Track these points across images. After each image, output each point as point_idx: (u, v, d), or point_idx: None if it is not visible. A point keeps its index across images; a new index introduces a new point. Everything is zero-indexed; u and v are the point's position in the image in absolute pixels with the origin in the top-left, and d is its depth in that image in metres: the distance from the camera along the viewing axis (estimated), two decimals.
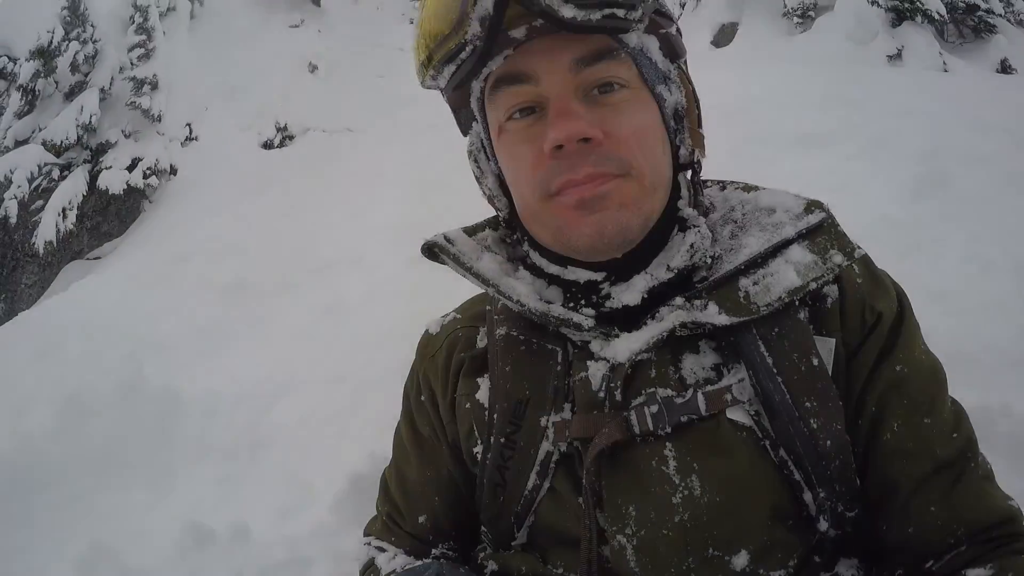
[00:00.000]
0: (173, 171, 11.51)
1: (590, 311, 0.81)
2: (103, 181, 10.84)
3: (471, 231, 0.93)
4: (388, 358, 2.26)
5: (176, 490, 1.95)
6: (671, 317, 0.77)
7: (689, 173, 0.86)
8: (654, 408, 0.76)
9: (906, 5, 12.03)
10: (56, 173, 10.87)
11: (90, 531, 1.75)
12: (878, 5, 12.29)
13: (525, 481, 0.83)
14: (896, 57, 11.73)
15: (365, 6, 18.41)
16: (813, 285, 0.77)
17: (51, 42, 11.06)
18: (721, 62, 12.40)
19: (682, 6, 24.06)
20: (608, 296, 0.81)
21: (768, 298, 0.77)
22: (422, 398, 0.96)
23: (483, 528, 0.91)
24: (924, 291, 2.04)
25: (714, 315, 0.77)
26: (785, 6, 15.33)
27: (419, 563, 0.85)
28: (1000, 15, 12.41)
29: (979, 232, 2.37)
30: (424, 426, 0.96)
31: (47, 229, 10.12)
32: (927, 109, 3.87)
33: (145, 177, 11.07)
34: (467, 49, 0.74)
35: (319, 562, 1.51)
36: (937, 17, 11.77)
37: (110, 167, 11.03)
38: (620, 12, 0.71)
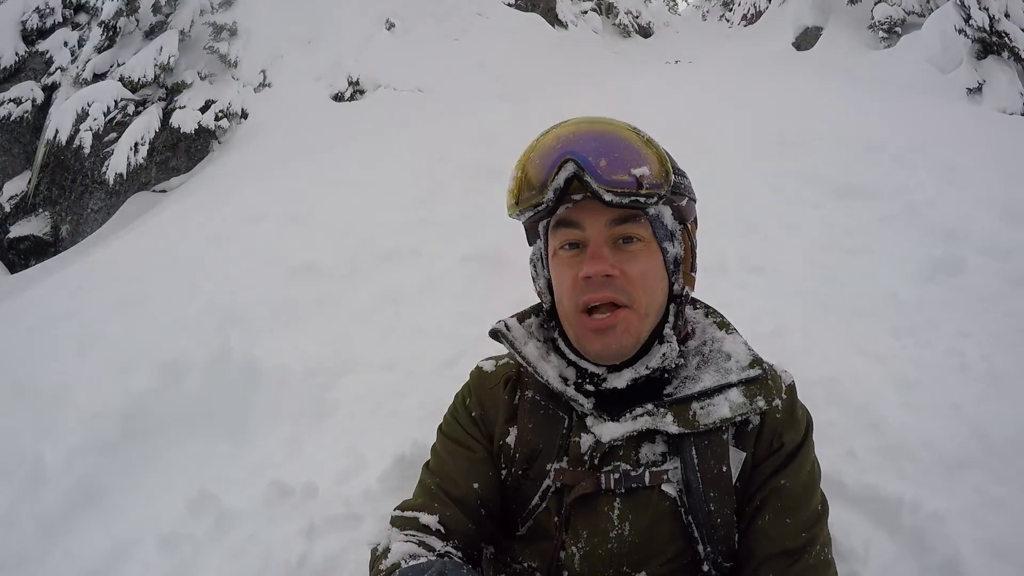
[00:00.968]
0: (244, 115, 11.73)
1: (591, 388, 1.21)
2: (176, 120, 11.07)
3: (521, 317, 1.33)
4: (434, 354, 2.53)
5: (252, 446, 2.22)
6: (642, 421, 1.17)
7: (680, 301, 1.24)
8: (617, 475, 1.16)
9: (993, 39, 11.58)
10: (131, 108, 11.14)
11: (191, 476, 2.02)
12: (964, 34, 11.83)
13: (531, 499, 1.23)
14: (976, 91, 11.40)
15: None
16: (738, 419, 1.16)
17: None
18: (797, 70, 12.24)
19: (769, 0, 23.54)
20: (605, 380, 1.21)
21: (707, 420, 1.15)
22: (473, 415, 1.32)
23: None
24: (898, 377, 2.27)
25: (670, 424, 1.16)
26: (872, 18, 14.97)
27: (423, 560, 1.05)
28: None
29: (970, 330, 2.47)
30: (472, 431, 1.31)
31: (118, 162, 10.41)
32: (975, 175, 3.91)
33: (217, 119, 11.30)
34: (543, 205, 1.14)
35: (368, 519, 1.81)
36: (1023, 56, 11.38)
37: (183, 107, 11.26)
38: (641, 199, 1.10)
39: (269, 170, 7.31)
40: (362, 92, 13.33)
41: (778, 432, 1.19)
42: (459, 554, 1.19)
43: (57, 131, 10.54)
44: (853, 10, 15.65)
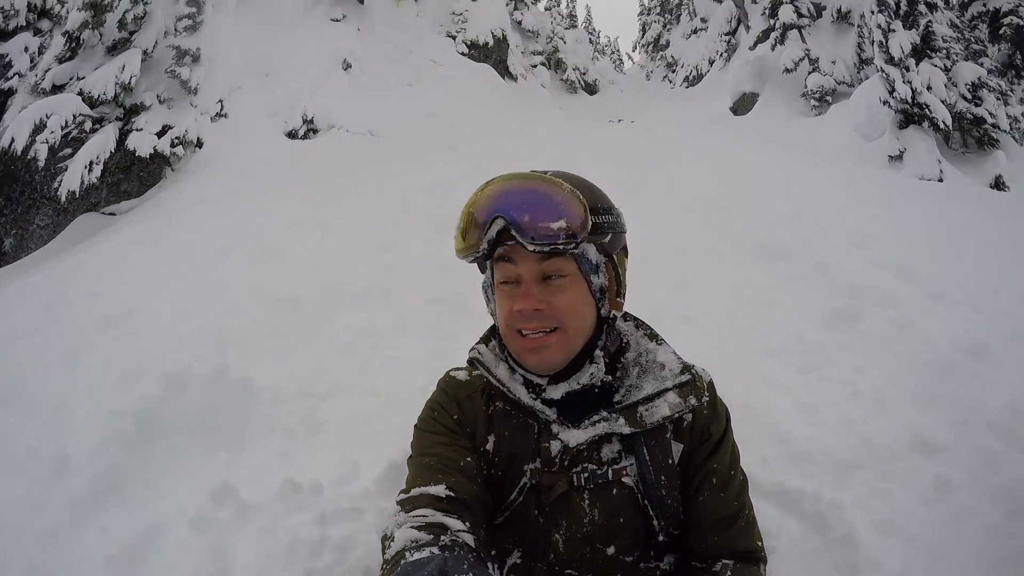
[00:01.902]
0: (199, 144, 11.80)
1: (552, 397, 1.45)
2: (132, 142, 11.11)
3: (486, 340, 1.60)
4: (411, 384, 2.76)
5: (249, 455, 2.45)
6: (600, 426, 1.43)
7: (609, 322, 1.50)
8: (586, 474, 1.43)
9: (915, 110, 12.55)
10: (88, 125, 11.10)
11: (204, 474, 2.25)
12: (889, 105, 12.82)
13: (509, 494, 1.46)
14: (897, 158, 12.35)
15: (406, 11, 18.90)
16: (676, 415, 1.45)
17: None
18: (734, 135, 13.11)
19: (711, 63, 24.86)
20: (545, 390, 1.46)
21: (651, 419, 1.44)
22: (454, 417, 1.53)
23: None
24: (802, 403, 2.77)
25: (623, 426, 1.43)
26: (806, 86, 16.10)
27: (424, 555, 1.15)
28: (1005, 131, 13.09)
29: (863, 366, 3.01)
30: (454, 427, 1.52)
31: (72, 179, 10.37)
32: (880, 238, 4.63)
33: (173, 146, 11.37)
34: (480, 253, 1.39)
35: (370, 512, 2.06)
36: (942, 126, 12.36)
37: (140, 129, 11.31)
38: (560, 247, 1.33)
39: (228, 204, 7.51)
40: (315, 131, 13.56)
41: (705, 425, 1.50)
42: (467, 527, 1.32)
43: (13, 139, 10.37)
44: (788, 79, 16.72)
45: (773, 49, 17.35)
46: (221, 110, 12.68)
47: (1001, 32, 16.40)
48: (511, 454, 1.47)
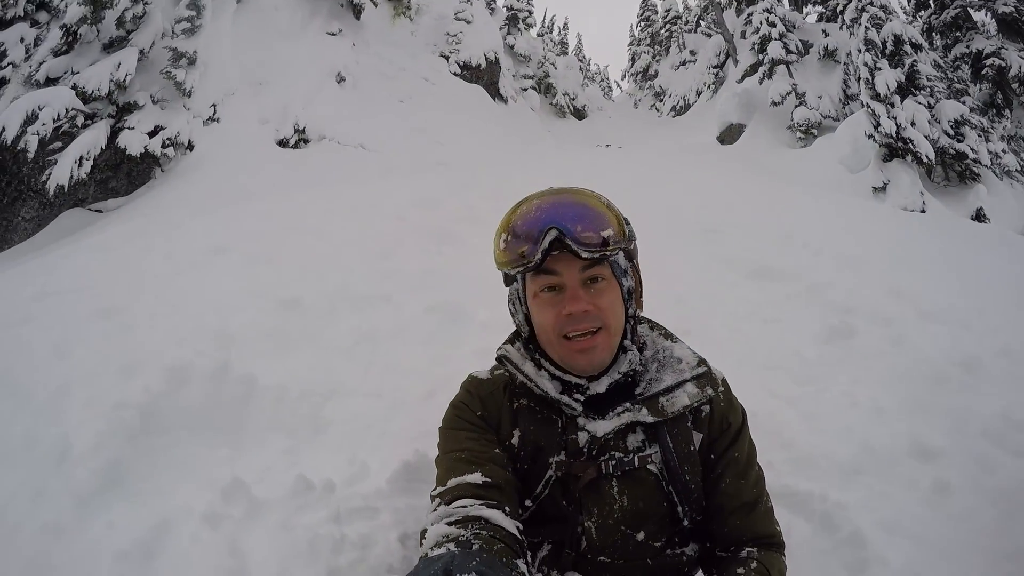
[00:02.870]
0: (190, 146, 11.78)
1: (580, 397, 1.53)
2: (123, 140, 11.07)
3: (511, 341, 1.66)
4: (413, 388, 2.83)
5: (253, 453, 2.42)
6: (625, 416, 1.51)
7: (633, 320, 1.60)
8: (613, 462, 1.50)
9: (899, 144, 12.83)
10: (80, 120, 11.03)
11: (207, 471, 2.22)
12: (873, 139, 13.11)
13: (535, 488, 1.52)
14: (881, 190, 12.64)
15: (401, 29, 19.05)
16: (696, 404, 1.54)
17: None
18: (721, 165, 13.31)
19: (698, 94, 25.20)
20: (588, 388, 1.54)
21: (673, 409, 1.52)
22: (478, 414, 1.59)
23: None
24: (803, 412, 2.86)
25: (646, 416, 1.52)
26: (792, 119, 16.38)
27: (436, 553, 1.20)
28: (986, 166, 13.44)
29: (860, 377, 3.13)
30: (480, 423, 1.58)
31: (61, 173, 10.27)
32: (868, 262, 4.77)
33: (163, 147, 11.33)
34: (532, 263, 1.45)
35: (384, 512, 2.06)
36: (925, 160, 12.67)
37: (132, 128, 11.28)
38: (608, 254, 1.45)
39: (219, 206, 7.43)
40: (306, 141, 13.57)
41: (725, 416, 1.60)
42: (507, 513, 1.38)
43: (4, 128, 10.21)
44: (775, 111, 16.95)
45: (761, 83, 17.62)
46: (214, 114, 12.66)
47: (983, 72, 16.84)
48: (536, 447, 1.54)
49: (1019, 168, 14.29)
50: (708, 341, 3.42)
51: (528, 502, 1.53)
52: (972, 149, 13.28)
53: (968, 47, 17.35)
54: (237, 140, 12.30)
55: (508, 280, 1.63)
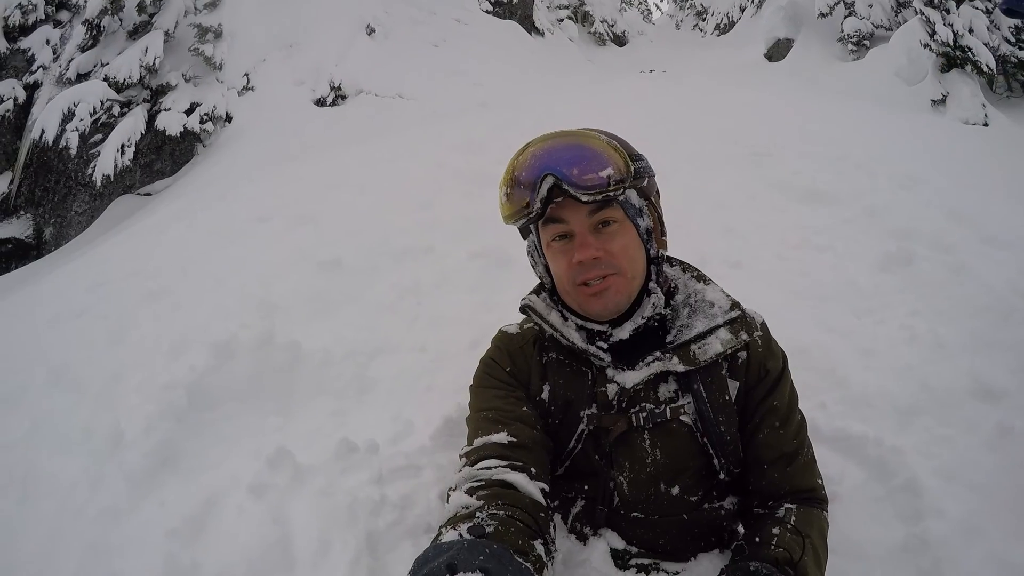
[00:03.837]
0: (228, 118, 11.83)
1: (603, 344, 1.49)
2: (161, 122, 11.17)
3: (537, 291, 1.62)
4: (459, 338, 2.76)
5: (302, 418, 2.43)
6: (655, 366, 1.45)
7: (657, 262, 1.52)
8: (644, 414, 1.45)
9: (957, 53, 12.07)
10: (116, 109, 11.20)
11: (256, 442, 2.23)
12: (930, 49, 12.34)
13: (567, 443, 1.49)
14: (940, 102, 11.94)
15: None
16: (729, 351, 1.47)
17: None
18: (770, 82, 12.75)
19: (742, 10, 24.11)
20: (611, 335, 1.50)
21: (705, 357, 1.45)
22: (507, 370, 1.57)
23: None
24: (858, 347, 2.69)
25: (677, 365, 1.45)
26: (842, 31, 15.53)
27: (452, 538, 1.16)
28: None
29: (919, 309, 2.94)
30: (509, 380, 1.56)
31: (105, 163, 10.46)
32: (928, 181, 4.45)
33: (202, 122, 11.41)
34: (533, 213, 1.41)
35: (427, 469, 2.04)
36: (986, 70, 11.89)
37: (168, 109, 11.36)
38: (611, 194, 1.36)
39: (261, 173, 7.48)
40: (344, 97, 13.47)
41: (762, 363, 1.51)
42: (532, 475, 1.35)
43: (43, 131, 10.52)
44: (823, 23, 16.15)
45: None
46: (248, 84, 12.64)
47: None
48: (566, 401, 1.50)
49: None
50: (759, 273, 3.30)
51: (563, 457, 1.51)
52: None
53: None
54: (274, 105, 12.30)
55: (524, 232, 1.58)
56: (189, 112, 11.46)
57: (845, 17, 15.59)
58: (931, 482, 2.02)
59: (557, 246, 1.46)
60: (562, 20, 22.08)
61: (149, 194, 11.33)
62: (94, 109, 10.84)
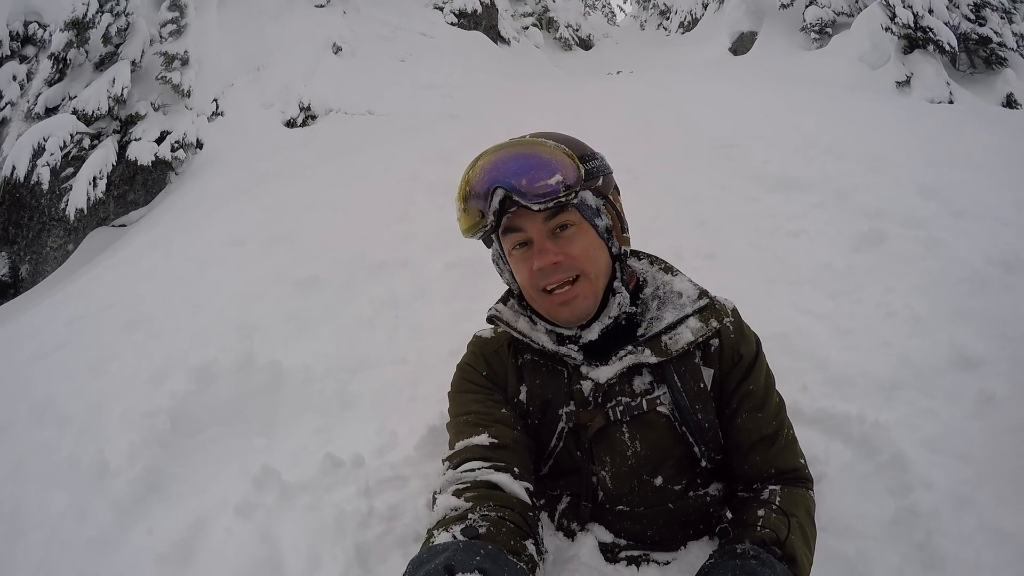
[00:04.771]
0: (199, 145, 11.71)
1: (574, 347, 1.50)
2: (132, 152, 11.02)
3: (504, 300, 1.63)
4: (439, 347, 2.74)
5: (287, 438, 2.43)
6: (627, 359, 1.47)
7: (621, 259, 1.53)
8: (620, 408, 1.46)
9: (918, 34, 12.25)
10: (87, 142, 11.06)
11: (241, 464, 2.22)
12: (891, 32, 12.51)
13: (549, 442, 1.50)
14: (905, 84, 12.09)
15: None
16: (700, 339, 1.49)
17: (85, 14, 11.20)
18: (736, 75, 12.88)
19: (704, 7, 24.33)
20: (580, 337, 1.51)
21: (676, 347, 1.47)
22: (484, 374, 1.58)
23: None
24: (836, 327, 2.71)
25: (649, 356, 1.47)
26: (804, 20, 15.70)
27: (446, 539, 1.18)
28: (1013, 49, 12.81)
29: (894, 286, 2.96)
30: (486, 383, 1.57)
31: (78, 197, 10.32)
32: (897, 161, 4.49)
33: (173, 150, 11.25)
34: (488, 226, 1.45)
35: (413, 479, 2.04)
36: (948, 48, 12.08)
37: (139, 139, 11.20)
38: (562, 200, 1.37)
39: (235, 197, 7.45)
40: (314, 117, 13.44)
41: (735, 348, 1.53)
42: (516, 474, 1.37)
43: (14, 167, 10.34)
44: (785, 14, 16.34)
45: None
46: (217, 109, 12.54)
47: None
48: (544, 401, 1.51)
49: None
50: (733, 262, 3.33)
51: (545, 457, 1.52)
52: (996, 32, 12.67)
53: None
54: (244, 129, 12.24)
55: (487, 242, 1.59)
56: (160, 141, 11.34)
57: (807, 6, 15.79)
58: (917, 455, 2.04)
59: (518, 254, 1.48)
60: (527, 28, 22.15)
61: (124, 225, 11.22)
62: (64, 143, 10.68)
